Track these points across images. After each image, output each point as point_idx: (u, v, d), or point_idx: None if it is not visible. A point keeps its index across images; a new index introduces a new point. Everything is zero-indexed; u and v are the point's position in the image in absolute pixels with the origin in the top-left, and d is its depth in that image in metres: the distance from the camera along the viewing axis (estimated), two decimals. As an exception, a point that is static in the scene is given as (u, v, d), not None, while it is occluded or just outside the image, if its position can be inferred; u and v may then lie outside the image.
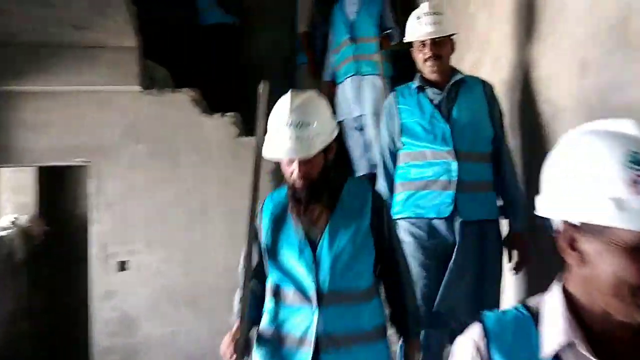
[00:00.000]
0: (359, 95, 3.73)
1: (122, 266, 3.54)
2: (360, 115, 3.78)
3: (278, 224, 1.69)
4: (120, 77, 3.51)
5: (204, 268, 3.61)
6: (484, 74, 2.76)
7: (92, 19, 3.32)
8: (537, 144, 2.21)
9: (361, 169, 3.86)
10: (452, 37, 2.25)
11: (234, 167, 3.68)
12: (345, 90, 3.79)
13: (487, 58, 2.82)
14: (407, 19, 2.33)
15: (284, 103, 1.57)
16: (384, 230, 1.67)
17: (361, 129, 3.82)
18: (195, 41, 4.52)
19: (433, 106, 2.17)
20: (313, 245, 1.61)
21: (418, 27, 2.17)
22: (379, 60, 3.59)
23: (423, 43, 2.16)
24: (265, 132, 1.65)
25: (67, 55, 3.43)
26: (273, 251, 1.67)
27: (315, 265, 1.58)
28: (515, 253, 2.15)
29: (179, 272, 3.59)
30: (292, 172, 1.58)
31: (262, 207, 1.75)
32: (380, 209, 1.69)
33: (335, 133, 1.65)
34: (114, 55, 3.48)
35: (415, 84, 2.23)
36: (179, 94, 3.67)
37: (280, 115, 1.55)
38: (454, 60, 2.38)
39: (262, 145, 1.66)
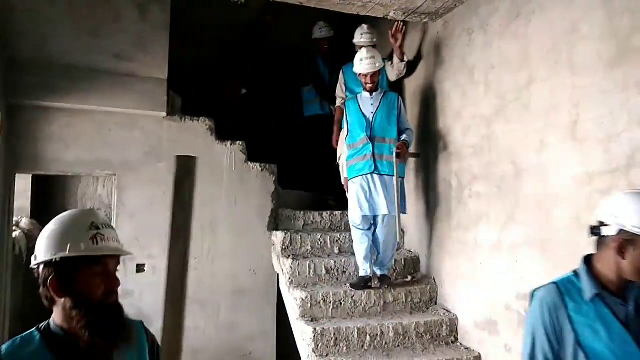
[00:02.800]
0: (375, 194, 3.74)
1: (140, 268, 4.00)
2: (371, 215, 3.78)
3: None
4: (149, 104, 3.99)
5: (212, 273, 4.18)
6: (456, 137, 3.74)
7: (134, 52, 3.84)
8: (501, 191, 3.19)
9: (362, 271, 3.83)
10: None
11: (241, 188, 4.31)
12: (359, 187, 3.78)
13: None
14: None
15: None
16: None
17: (368, 228, 3.82)
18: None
19: (620, 324, 1.59)
20: None
21: None
22: (396, 161, 3.68)
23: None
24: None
25: (105, 80, 3.85)
26: None
27: None
28: None
29: (190, 276, 4.08)
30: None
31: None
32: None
33: None
34: (146, 84, 3.96)
35: (591, 288, 1.64)
36: (197, 122, 4.23)
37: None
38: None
39: None
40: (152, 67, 3.93)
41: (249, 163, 4.37)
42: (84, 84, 3.81)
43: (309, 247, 4.20)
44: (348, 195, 3.92)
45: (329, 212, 4.62)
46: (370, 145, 3.75)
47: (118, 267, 1.49)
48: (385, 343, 3.49)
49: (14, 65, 3.60)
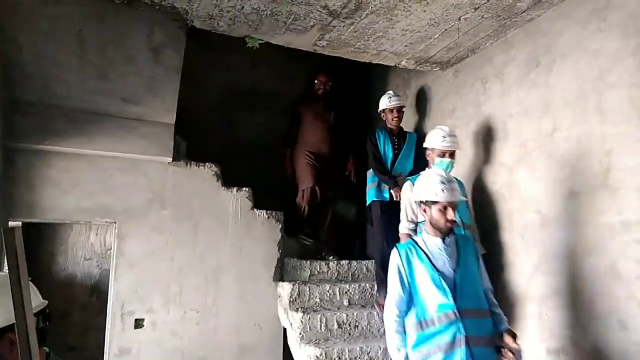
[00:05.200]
0: None
1: (138, 324, 3.73)
2: None
3: None
4: (154, 149, 3.85)
5: (215, 328, 3.92)
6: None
7: (143, 96, 3.72)
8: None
9: None
10: None
11: (247, 236, 4.14)
12: None
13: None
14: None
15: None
16: None
17: None
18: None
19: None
20: None
21: None
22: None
23: None
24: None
25: (110, 123, 3.70)
26: None
27: None
28: None
29: (191, 331, 3.85)
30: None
31: None
32: None
33: None
34: (152, 128, 3.83)
35: None
36: (202, 167, 4.09)
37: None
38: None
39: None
40: (160, 111, 3.81)
41: (255, 210, 4.22)
42: (87, 128, 3.66)
43: (318, 300, 4.00)
44: None
45: (335, 261, 4.46)
46: (460, 324, 2.37)
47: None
48: (406, 404, 3.27)
49: (15, 107, 3.45)
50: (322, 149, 4.68)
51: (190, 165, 4.06)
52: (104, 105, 3.67)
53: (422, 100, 4.48)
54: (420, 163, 3.83)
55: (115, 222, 3.80)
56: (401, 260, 2.57)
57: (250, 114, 5.23)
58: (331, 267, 4.41)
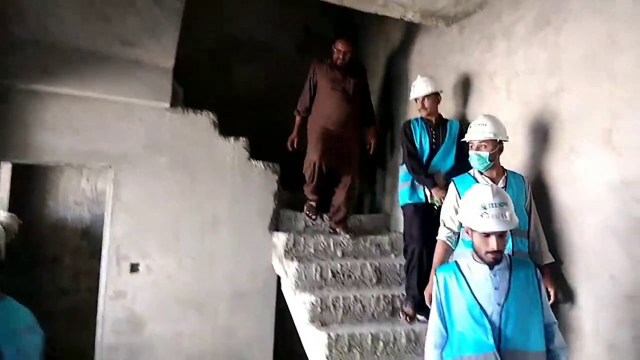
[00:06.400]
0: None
1: (134, 268, 3.75)
2: None
3: None
4: (152, 93, 3.78)
5: (210, 275, 3.98)
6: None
7: (143, 38, 3.61)
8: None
9: None
10: None
11: (243, 186, 4.14)
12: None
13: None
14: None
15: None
16: None
17: None
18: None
19: None
20: None
21: None
22: None
23: None
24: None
25: (108, 66, 3.61)
26: None
27: None
28: None
29: (187, 277, 3.90)
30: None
31: None
32: None
33: None
34: (151, 72, 3.74)
35: None
36: (200, 115, 4.04)
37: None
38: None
39: None
40: (160, 55, 3.72)
41: (252, 160, 4.21)
42: (85, 70, 3.57)
43: (312, 250, 4.06)
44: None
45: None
46: None
47: None
48: (398, 349, 3.41)
49: (10, 45, 3.32)
50: (339, 121, 4.16)
51: (188, 112, 4.01)
52: (102, 46, 3.56)
53: (425, 57, 4.44)
54: (465, 158, 3.15)
55: (110, 167, 3.76)
56: (438, 288, 2.20)
57: (245, 63, 5.12)
58: (325, 220, 4.46)
